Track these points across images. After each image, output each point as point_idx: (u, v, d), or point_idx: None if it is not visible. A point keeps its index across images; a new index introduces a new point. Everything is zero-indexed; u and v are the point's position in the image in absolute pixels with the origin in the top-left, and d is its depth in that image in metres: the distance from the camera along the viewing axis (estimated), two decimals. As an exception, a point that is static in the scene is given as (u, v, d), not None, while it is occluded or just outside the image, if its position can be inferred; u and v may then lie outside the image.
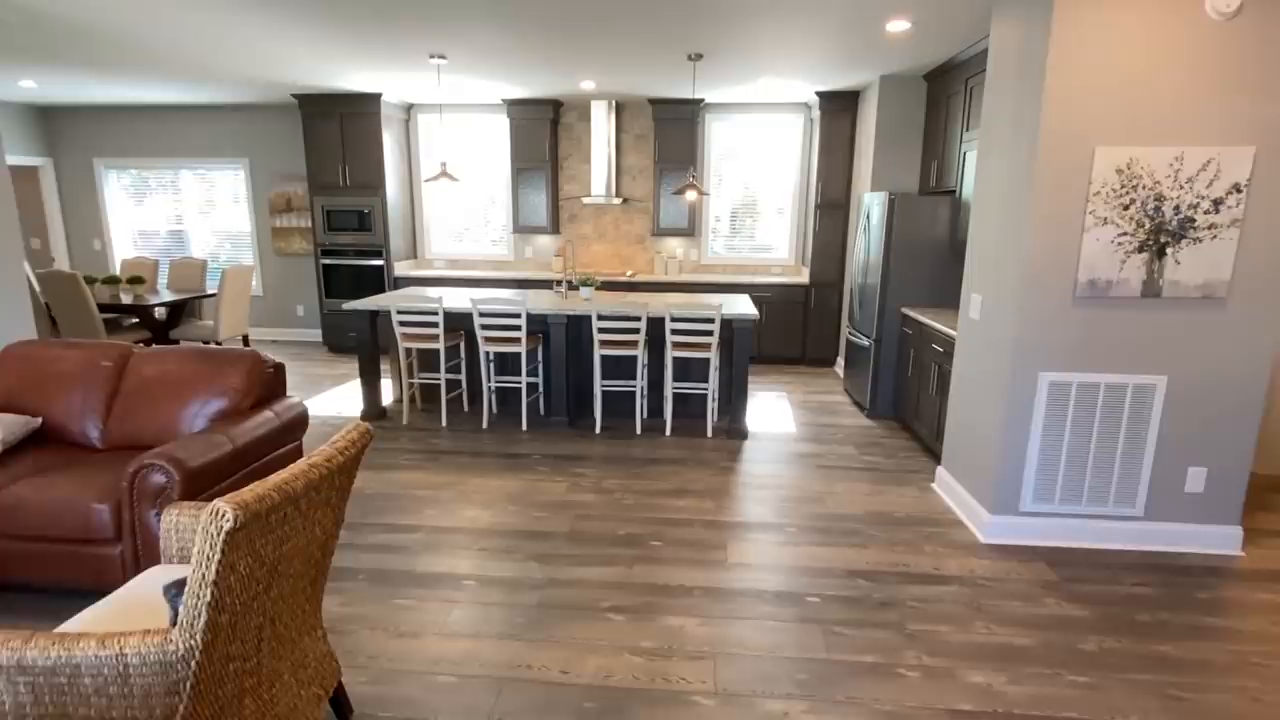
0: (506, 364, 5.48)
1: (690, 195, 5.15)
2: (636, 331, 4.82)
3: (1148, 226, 3.02)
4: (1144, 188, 2.99)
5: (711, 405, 4.91)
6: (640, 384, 4.89)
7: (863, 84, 6.06)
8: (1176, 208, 2.99)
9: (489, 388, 5.12)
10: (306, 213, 7.84)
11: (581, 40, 4.64)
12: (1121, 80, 2.92)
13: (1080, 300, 3.13)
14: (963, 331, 3.73)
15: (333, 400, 5.69)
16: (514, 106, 7.08)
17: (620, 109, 7.31)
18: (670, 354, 4.78)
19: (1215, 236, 3.01)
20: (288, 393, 3.77)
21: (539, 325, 5.21)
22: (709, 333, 4.80)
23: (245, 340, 6.76)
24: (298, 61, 5.44)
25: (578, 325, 5.26)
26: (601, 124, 7.08)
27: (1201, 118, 2.93)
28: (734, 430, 4.89)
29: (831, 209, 6.72)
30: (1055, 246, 3.08)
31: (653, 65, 5.37)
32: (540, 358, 5.29)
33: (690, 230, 7.20)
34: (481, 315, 4.86)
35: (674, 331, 4.94)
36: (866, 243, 5.48)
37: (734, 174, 7.38)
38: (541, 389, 5.34)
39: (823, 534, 3.42)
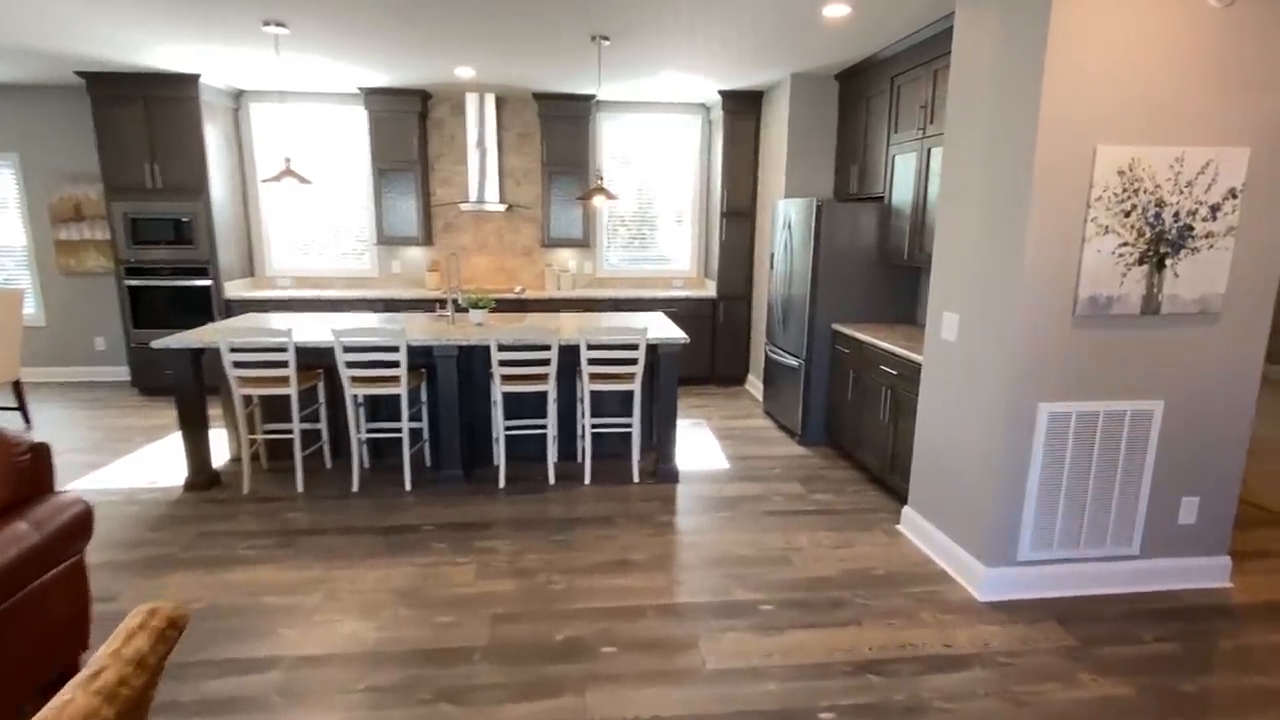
0: (381, 408, 4.47)
1: (599, 201, 4.43)
2: (546, 363, 4.03)
3: (1148, 235, 2.68)
4: (1145, 192, 2.65)
5: (635, 444, 4.20)
6: (551, 425, 4.10)
7: (770, 83, 5.63)
8: (1176, 214, 2.68)
9: (359, 439, 4.12)
10: (103, 221, 6.28)
11: (462, 10, 3.79)
12: (1123, 71, 2.56)
13: (1080, 319, 2.75)
14: (932, 354, 3.29)
15: (146, 462, 4.40)
16: (374, 97, 6.02)
17: (501, 104, 6.45)
18: (588, 387, 4.03)
19: (1212, 246, 2.73)
20: (55, 485, 2.65)
21: (422, 358, 4.28)
22: (633, 360, 4.10)
23: (17, 389, 5.19)
24: (83, 26, 4.15)
25: (470, 356, 4.38)
26: (479, 120, 6.19)
27: (1202, 115, 2.63)
28: (664, 472, 4.22)
29: (737, 217, 6.25)
30: (1054, 259, 2.67)
31: (550, 50, 4.60)
32: (424, 398, 4.34)
33: (584, 241, 6.47)
34: (349, 350, 3.86)
35: (593, 361, 4.20)
36: (787, 253, 5.02)
37: (629, 179, 6.74)
38: (428, 437, 4.39)
39: (805, 610, 2.81)
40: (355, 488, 4.00)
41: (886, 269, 4.71)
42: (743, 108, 6.04)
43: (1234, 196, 2.69)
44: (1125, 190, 2.64)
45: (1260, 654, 2.57)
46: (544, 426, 4.53)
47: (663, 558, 3.23)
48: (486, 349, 4.23)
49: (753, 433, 5.16)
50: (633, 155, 6.69)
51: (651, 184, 6.77)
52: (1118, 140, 2.61)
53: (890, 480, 3.93)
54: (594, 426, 4.57)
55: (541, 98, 6.14)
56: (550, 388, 4.01)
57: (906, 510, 3.53)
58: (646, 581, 3.02)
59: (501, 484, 4.08)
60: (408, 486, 4.03)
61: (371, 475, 4.23)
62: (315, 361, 4.23)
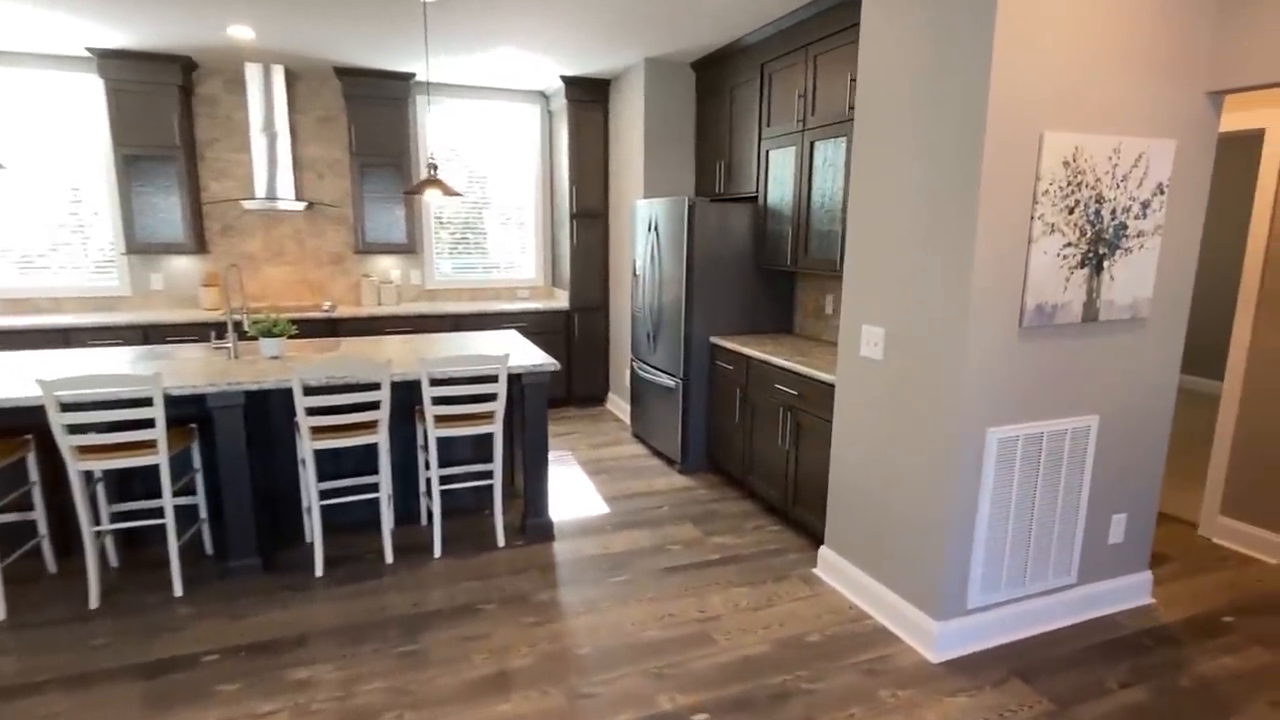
0: (135, 482, 3.24)
1: (432, 196, 3.54)
2: (375, 406, 3.09)
3: (1089, 235, 2.41)
4: (1087, 186, 2.36)
5: (499, 498, 3.38)
6: (385, 485, 3.15)
7: (620, 69, 5.04)
8: (1113, 211, 2.43)
9: (94, 533, 2.90)
10: None
11: (233, -68, 2.76)
12: (1069, 46, 2.24)
13: (1026, 331, 2.41)
14: (848, 374, 2.85)
15: None
16: (112, 62, 4.58)
17: (293, 80, 5.25)
18: (433, 432, 3.15)
19: (1142, 246, 2.52)
20: None
21: (193, 409, 3.14)
22: (491, 396, 3.28)
23: None
24: None
25: (264, 402, 3.31)
26: (264, 97, 4.96)
27: (1137, 102, 2.40)
28: (535, 529, 3.45)
29: (589, 219, 5.59)
30: (1002, 263, 2.30)
31: (356, 9, 3.62)
32: (198, 464, 3.18)
33: (410, 245, 5.46)
34: (68, 408, 2.66)
35: (440, 400, 3.31)
36: (655, 260, 4.45)
37: (459, 175, 5.82)
38: (206, 515, 3.23)
39: (748, 712, 2.21)
40: (94, 603, 2.78)
41: (762, 275, 4.29)
42: (589, 96, 5.39)
43: (1161, 192, 2.50)
44: (1070, 184, 2.33)
45: (1223, 685, 2.38)
46: (375, 488, 3.56)
47: (554, 659, 2.48)
48: (288, 391, 3.19)
49: (626, 463, 4.52)
50: (463, 147, 5.78)
51: (487, 181, 5.91)
52: (1063, 125, 2.29)
53: (794, 514, 3.47)
54: (444, 481, 3.68)
55: (347, 74, 5.05)
56: (382, 438, 3.08)
57: (824, 552, 3.08)
58: (539, 703, 2.25)
59: (319, 571, 3.07)
60: (178, 591, 2.89)
61: (122, 580, 3.01)
62: (22, 423, 2.93)
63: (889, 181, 2.59)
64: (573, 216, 5.53)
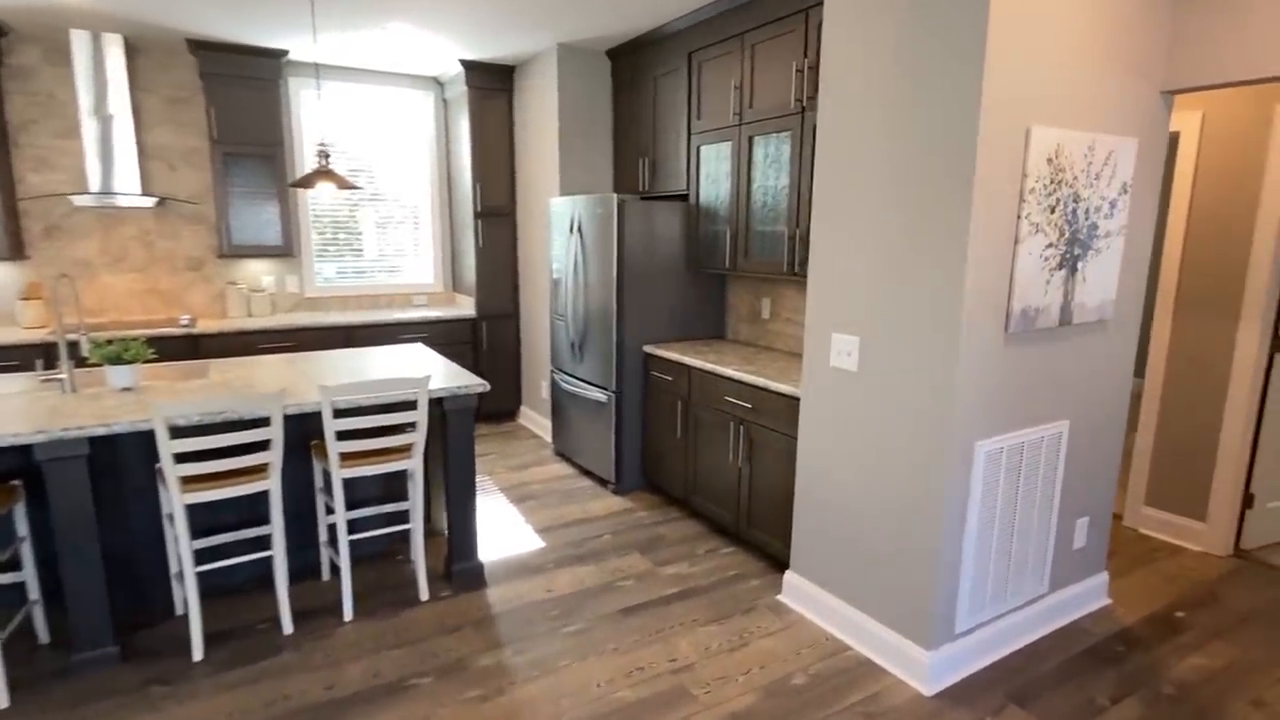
0: (-73, 554, 2.47)
1: (320, 188, 3.00)
2: (265, 446, 2.53)
3: (1066, 235, 2.31)
4: (1066, 184, 2.26)
5: (419, 544, 2.90)
6: (279, 539, 2.59)
7: (528, 54, 4.62)
8: (1087, 211, 2.35)
9: (-124, 635, 2.17)
10: None
11: None
12: (1054, 39, 2.12)
13: (1012, 337, 2.28)
14: (816, 386, 2.63)
15: None
16: (-123, 16, 3.62)
17: (134, 53, 4.42)
18: (338, 473, 2.63)
19: (1109, 246, 2.47)
20: None
21: (11, 462, 2.44)
22: (409, 426, 2.79)
23: None
24: None
25: (112, 447, 2.65)
26: (93, 71, 4.13)
27: (1107, 99, 2.33)
28: (464, 575, 3.00)
29: (495, 218, 5.13)
30: (989, 266, 2.15)
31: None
32: (24, 531, 2.47)
33: (286, 248, 4.76)
34: None
35: (345, 434, 2.78)
36: (579, 263, 4.08)
37: (341, 166, 5.17)
38: (38, 596, 2.52)
39: (753, 787, 1.92)
40: None
41: (693, 279, 4.04)
42: (492, 84, 4.93)
43: (1125, 191, 2.45)
44: (1052, 181, 2.22)
45: (1203, 689, 2.36)
46: (263, 542, 2.97)
47: (513, 743, 2.08)
48: (146, 435, 2.57)
49: (554, 485, 4.13)
50: (346, 137, 5.14)
51: (375, 176, 5.29)
52: (1048, 120, 2.17)
53: (748, 535, 3.24)
54: (352, 528, 3.14)
55: (204, 48, 4.30)
56: (273, 483, 2.53)
57: (790, 577, 2.85)
58: (506, 807, 1.85)
59: (198, 654, 2.47)
60: (3, 701, 2.21)
61: (-86, 692, 2.28)
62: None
63: (861, 181, 2.38)
64: (477, 215, 5.04)
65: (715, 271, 3.84)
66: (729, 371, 3.23)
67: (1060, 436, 2.53)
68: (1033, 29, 2.05)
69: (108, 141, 4.21)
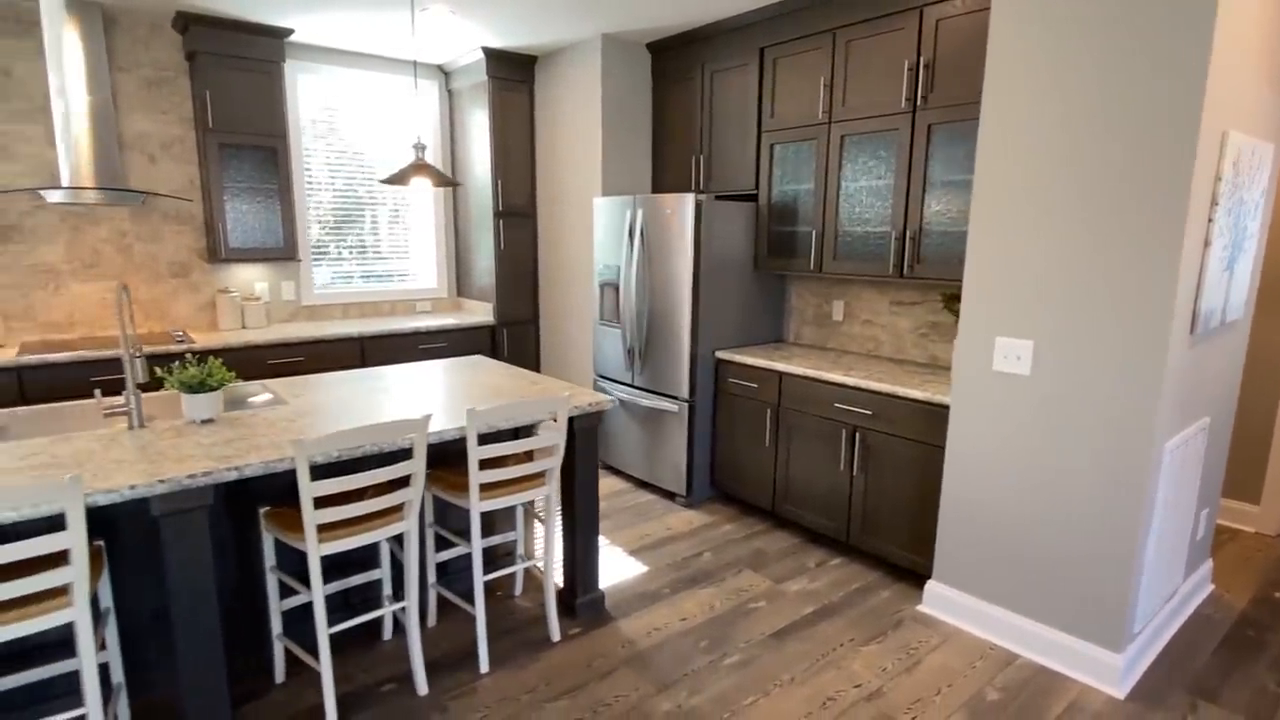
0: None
1: (421, 182, 2.65)
2: (405, 483, 2.18)
3: (1232, 237, 2.37)
4: (1241, 187, 2.32)
5: (551, 584, 2.62)
6: (411, 587, 2.26)
7: (558, 44, 4.34)
8: (1243, 214, 2.42)
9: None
10: None
11: None
12: (1244, 45, 2.15)
13: (1196, 339, 2.31)
14: (973, 391, 2.58)
15: None
16: None
17: (112, 26, 3.80)
18: (476, 505, 2.32)
19: (1251, 248, 2.56)
20: None
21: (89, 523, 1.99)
22: (549, 450, 2.51)
23: None
24: None
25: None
26: (60, 45, 3.52)
27: (1262, 104, 2.40)
28: (588, 610, 2.75)
29: (517, 218, 4.81)
30: (1188, 269, 2.16)
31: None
32: (108, 601, 2.00)
33: (287, 251, 4.25)
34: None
35: (487, 463, 2.47)
36: (640, 267, 3.86)
37: (333, 161, 4.69)
38: (122, 679, 2.05)
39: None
40: None
41: (758, 281, 3.92)
42: (513, 75, 4.61)
43: (1263, 195, 2.55)
44: (1232, 184, 2.26)
45: (1344, 669, 2.49)
46: (372, 592, 2.60)
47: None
48: (251, 480, 2.16)
49: (616, 501, 3.90)
50: (344, 127, 4.66)
51: (372, 171, 4.83)
52: (1235, 125, 2.21)
53: (861, 544, 3.16)
54: (448, 567, 2.81)
55: (196, 22, 3.75)
56: (411, 523, 2.20)
57: (934, 587, 2.79)
58: None
59: (334, 728, 2.11)
60: (115, 819, 1.78)
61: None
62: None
63: (1038, 184, 2.34)
64: (497, 215, 4.70)
65: (790, 273, 3.74)
66: (837, 378, 3.13)
67: (1205, 431, 2.60)
68: (1234, 38, 2.07)
69: (83, 128, 3.59)
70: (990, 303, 2.51)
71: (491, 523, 3.07)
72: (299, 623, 2.49)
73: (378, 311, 4.95)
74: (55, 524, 1.76)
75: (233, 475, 1.87)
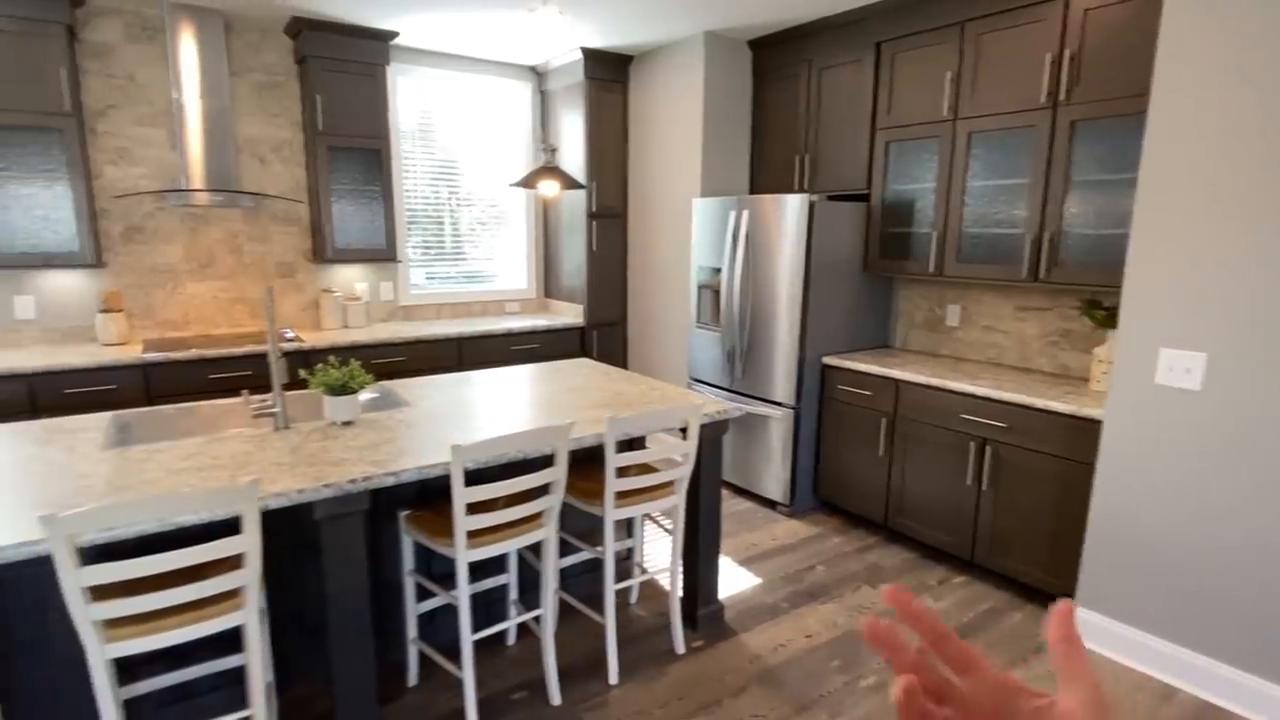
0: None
1: (547, 188, 2.62)
2: (545, 492, 2.15)
3: None
4: None
5: (676, 593, 2.57)
6: (548, 592, 2.23)
7: (657, 43, 4.28)
8: None
9: (126, 749, 1.72)
10: None
11: None
12: None
13: (1399, 352, 2.10)
14: (1131, 405, 2.41)
15: None
16: (-47, -22, 3.05)
17: (228, 31, 3.90)
18: (611, 514, 2.27)
19: None
20: None
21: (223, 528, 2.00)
22: (679, 459, 2.44)
23: None
24: None
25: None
26: (193, 49, 3.62)
27: None
28: (709, 622, 2.68)
29: (609, 219, 4.77)
30: (1401, 275, 1.97)
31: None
32: (261, 603, 2.03)
33: (388, 252, 4.31)
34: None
35: (625, 471, 2.42)
36: (743, 269, 3.78)
37: (431, 163, 4.73)
38: (273, 678, 2.08)
39: None
40: None
41: (865, 285, 3.79)
42: (610, 75, 4.57)
43: None
44: None
45: None
46: (509, 604, 2.58)
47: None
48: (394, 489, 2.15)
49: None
50: (438, 128, 4.70)
51: (460, 172, 4.85)
52: None
53: (987, 562, 3.00)
54: (575, 573, 2.77)
55: (308, 27, 3.82)
56: (551, 530, 2.17)
57: (1077, 612, 2.62)
58: None
59: (474, 737, 2.09)
60: (277, 821, 1.79)
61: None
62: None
63: (1222, 183, 2.17)
64: (591, 216, 4.68)
65: (901, 276, 3.60)
66: (967, 387, 2.99)
67: (1393, 455, 2.37)
68: None
69: (205, 132, 3.69)
70: (1154, 311, 2.34)
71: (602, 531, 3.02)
72: (427, 626, 2.48)
73: (469, 312, 4.98)
74: (213, 530, 1.78)
75: (390, 481, 1.86)
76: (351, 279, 4.49)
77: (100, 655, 1.53)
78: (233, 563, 1.71)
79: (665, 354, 4.65)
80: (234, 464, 1.91)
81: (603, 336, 4.89)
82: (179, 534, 1.81)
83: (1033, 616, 2.79)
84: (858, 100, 3.65)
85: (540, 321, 4.71)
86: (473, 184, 4.89)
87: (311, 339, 3.93)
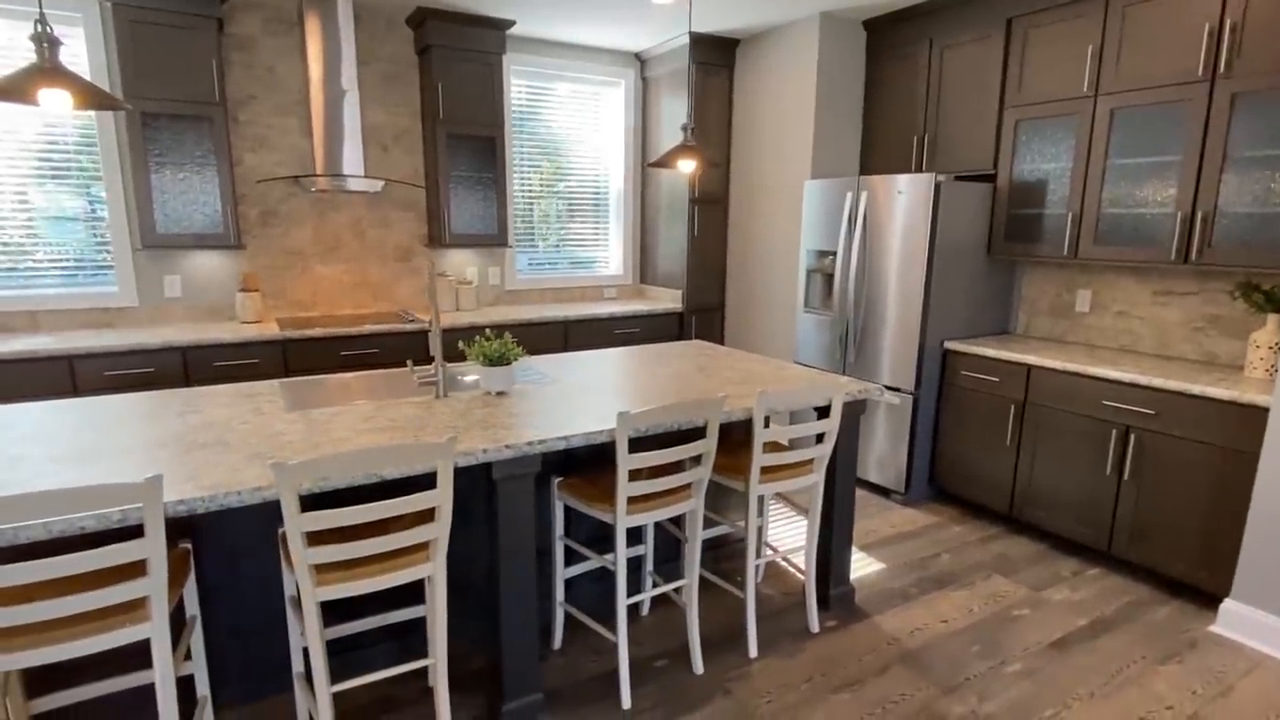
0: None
1: (686, 165, 2.65)
2: (698, 461, 2.18)
3: None
4: None
5: (812, 572, 2.57)
6: (692, 560, 2.27)
7: (768, 25, 4.25)
8: None
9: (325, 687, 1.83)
10: None
11: None
12: None
13: None
14: (1309, 391, 2.28)
15: None
16: (125, -23, 3.27)
17: (360, 20, 4.07)
18: (755, 489, 2.29)
19: None
20: None
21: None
22: (819, 437, 2.44)
23: None
24: None
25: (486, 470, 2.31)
26: (326, 41, 3.79)
27: None
28: (840, 602, 2.68)
29: (711, 205, 4.78)
30: None
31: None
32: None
33: (500, 238, 4.42)
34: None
35: (769, 446, 2.44)
36: (859, 252, 3.73)
37: (534, 150, 4.82)
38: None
39: None
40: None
41: (989, 268, 3.69)
42: (716, 59, 4.57)
43: None
44: None
45: None
46: (646, 574, 2.64)
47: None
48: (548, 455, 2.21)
49: (827, 495, 3.79)
50: (543, 117, 4.79)
51: (561, 160, 4.93)
52: None
53: (1133, 554, 2.89)
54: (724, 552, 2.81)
55: (432, 16, 3.95)
56: (700, 501, 2.20)
57: (1234, 607, 2.51)
58: None
59: (626, 702, 2.14)
60: (456, 765, 1.88)
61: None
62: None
63: None
64: (693, 202, 4.69)
65: (1028, 259, 3.50)
66: (1110, 373, 2.88)
67: None
68: None
69: (334, 120, 3.87)
70: (1340, 291, 2.21)
71: (725, 508, 3.05)
72: (567, 593, 2.56)
73: (570, 297, 5.07)
74: (383, 490, 1.88)
75: (562, 445, 1.92)
76: (462, 263, 4.63)
77: (313, 597, 1.64)
78: (424, 516, 1.81)
79: (768, 338, 4.63)
80: (411, 426, 2.00)
81: (701, 321, 4.90)
82: (350, 493, 1.92)
83: (1181, 612, 2.68)
84: (984, 78, 3.55)
85: (640, 306, 4.76)
86: (574, 171, 4.97)
87: (426, 318, 4.07)
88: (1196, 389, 2.62)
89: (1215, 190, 2.75)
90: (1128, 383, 2.84)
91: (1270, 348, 2.70)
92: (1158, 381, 2.74)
